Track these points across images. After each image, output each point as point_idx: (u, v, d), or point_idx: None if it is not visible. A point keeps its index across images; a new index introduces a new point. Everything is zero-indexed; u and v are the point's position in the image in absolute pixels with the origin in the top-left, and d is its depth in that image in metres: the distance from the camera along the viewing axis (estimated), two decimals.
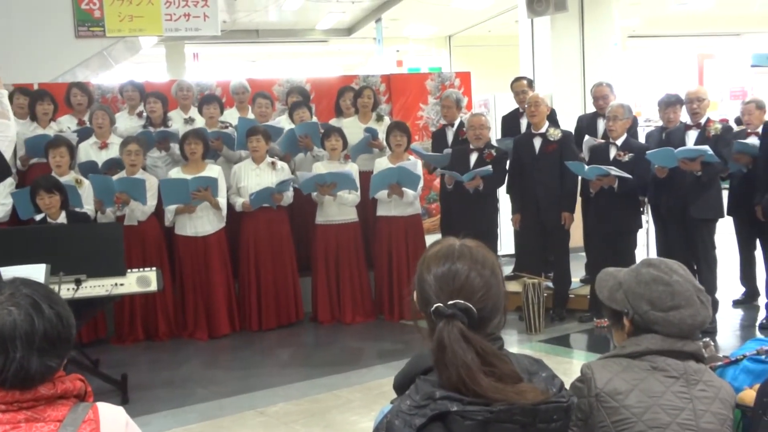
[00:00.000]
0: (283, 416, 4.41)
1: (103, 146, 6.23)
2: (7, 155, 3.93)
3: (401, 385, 1.52)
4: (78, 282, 4.46)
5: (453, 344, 1.40)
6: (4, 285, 1.52)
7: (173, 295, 6.12)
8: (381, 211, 6.43)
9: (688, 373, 1.88)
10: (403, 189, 6.19)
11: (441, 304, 1.45)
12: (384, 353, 5.54)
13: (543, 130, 6.03)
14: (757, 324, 5.86)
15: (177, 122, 6.65)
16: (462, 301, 1.45)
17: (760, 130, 5.95)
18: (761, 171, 5.59)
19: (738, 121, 7.32)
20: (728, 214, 6.10)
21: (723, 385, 1.95)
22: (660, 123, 6.38)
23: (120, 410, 1.57)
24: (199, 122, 6.62)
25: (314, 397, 4.69)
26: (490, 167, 6.00)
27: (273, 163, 6.23)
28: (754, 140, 5.88)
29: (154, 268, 4.77)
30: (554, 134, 5.99)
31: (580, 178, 5.99)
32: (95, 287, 4.53)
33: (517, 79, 7.06)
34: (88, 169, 6.00)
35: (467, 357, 1.39)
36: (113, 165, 6.08)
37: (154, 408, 4.58)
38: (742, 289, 6.47)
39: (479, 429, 1.37)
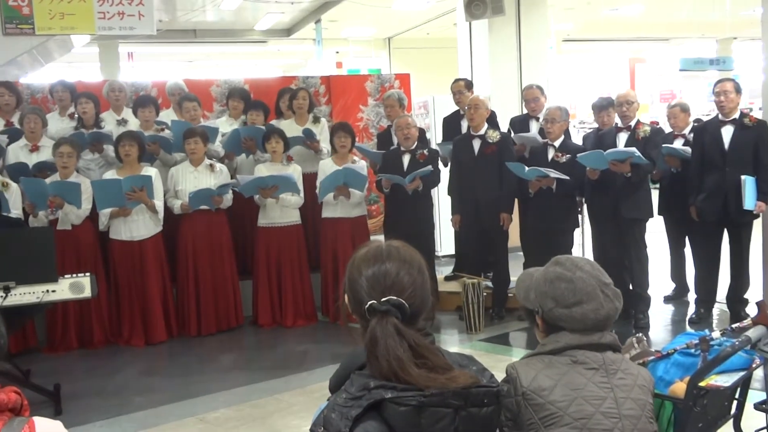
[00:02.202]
0: (224, 422, 4.35)
1: (34, 149, 6.02)
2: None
3: (337, 385, 1.52)
4: (6, 289, 4.30)
5: (387, 338, 1.45)
6: None
7: (108, 301, 5.96)
8: (326, 213, 6.39)
9: (606, 364, 1.96)
10: (350, 189, 6.18)
11: (375, 301, 1.50)
12: (325, 356, 5.52)
13: (482, 132, 6.12)
14: (687, 319, 6.07)
15: (110, 124, 6.47)
16: (395, 297, 1.50)
17: (686, 131, 6.18)
18: (693, 173, 5.78)
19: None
20: (659, 213, 6.31)
21: (640, 372, 2.03)
22: (595, 125, 6.55)
23: (58, 425, 1.52)
24: (133, 124, 6.46)
25: (255, 402, 4.64)
26: (430, 167, 6.06)
27: (211, 166, 6.13)
28: (680, 142, 6.10)
29: (88, 274, 4.63)
30: (493, 136, 6.08)
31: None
32: (25, 294, 4.38)
33: (456, 81, 7.15)
34: (19, 171, 5.79)
35: (399, 350, 1.44)
36: (44, 167, 5.88)
37: (89, 418, 4.45)
38: (673, 286, 6.71)
39: (413, 415, 1.40)
